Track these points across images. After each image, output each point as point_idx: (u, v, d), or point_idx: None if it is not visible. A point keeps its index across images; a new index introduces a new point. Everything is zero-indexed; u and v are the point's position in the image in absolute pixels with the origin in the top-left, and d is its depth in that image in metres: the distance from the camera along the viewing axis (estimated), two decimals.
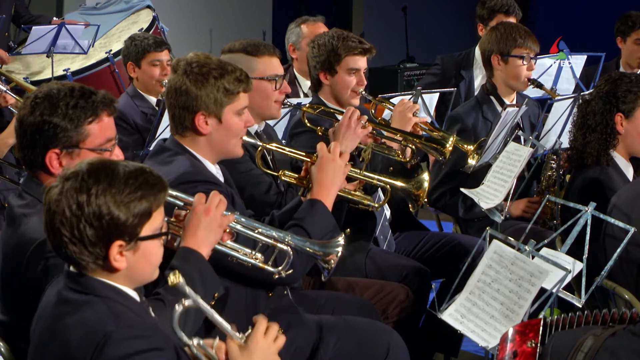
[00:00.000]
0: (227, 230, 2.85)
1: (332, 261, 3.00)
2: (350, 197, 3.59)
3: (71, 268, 2.39)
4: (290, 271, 2.92)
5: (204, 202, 2.78)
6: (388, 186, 3.65)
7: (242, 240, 2.92)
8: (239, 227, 2.89)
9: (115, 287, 2.37)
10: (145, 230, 2.36)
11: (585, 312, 2.74)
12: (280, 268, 2.91)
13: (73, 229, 2.30)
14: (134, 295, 2.43)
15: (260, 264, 2.90)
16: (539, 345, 2.72)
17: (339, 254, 3.01)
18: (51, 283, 2.46)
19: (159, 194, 2.38)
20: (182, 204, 2.83)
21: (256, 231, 2.90)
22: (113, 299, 2.34)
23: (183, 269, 2.68)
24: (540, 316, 2.87)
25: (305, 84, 5.69)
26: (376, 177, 3.67)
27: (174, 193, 2.81)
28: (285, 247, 2.91)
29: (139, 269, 2.39)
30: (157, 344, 2.29)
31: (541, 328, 2.74)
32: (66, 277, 2.40)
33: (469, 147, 4.35)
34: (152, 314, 2.50)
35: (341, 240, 3.02)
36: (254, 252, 2.90)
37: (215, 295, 2.83)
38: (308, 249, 2.99)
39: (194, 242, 2.75)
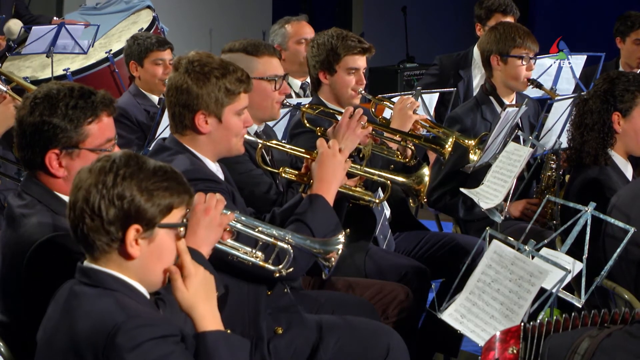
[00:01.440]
0: (228, 229, 2.85)
1: (333, 259, 3.00)
2: (351, 193, 3.59)
3: (85, 263, 2.41)
4: (290, 269, 2.92)
5: (204, 201, 2.78)
6: (388, 182, 3.66)
7: (243, 238, 2.92)
8: (239, 225, 2.88)
9: (125, 281, 2.39)
10: None
11: (573, 314, 2.74)
12: (281, 266, 2.91)
13: (94, 205, 2.34)
14: (144, 291, 2.44)
15: (261, 263, 2.89)
16: (520, 350, 2.72)
17: (340, 251, 3.00)
18: (63, 285, 2.46)
19: (184, 194, 2.42)
20: None
21: (256, 230, 2.90)
22: (121, 292, 2.36)
23: None
24: (540, 316, 2.87)
25: (295, 83, 5.70)
26: (376, 172, 3.67)
27: None
28: (285, 246, 2.91)
29: (151, 264, 2.41)
30: (166, 331, 2.31)
31: (522, 334, 2.74)
32: (78, 271, 2.42)
33: (470, 142, 4.34)
34: (161, 312, 2.51)
35: (341, 238, 3.01)
36: (254, 251, 2.89)
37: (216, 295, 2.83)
38: (308, 247, 2.99)
39: (194, 241, 2.75)
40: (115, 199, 2.33)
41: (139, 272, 2.41)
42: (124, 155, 2.40)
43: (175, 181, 2.41)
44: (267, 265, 2.90)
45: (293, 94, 5.64)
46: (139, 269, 2.40)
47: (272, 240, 2.91)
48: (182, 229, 2.46)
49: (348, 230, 3.09)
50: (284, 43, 5.80)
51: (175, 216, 2.41)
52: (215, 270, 2.80)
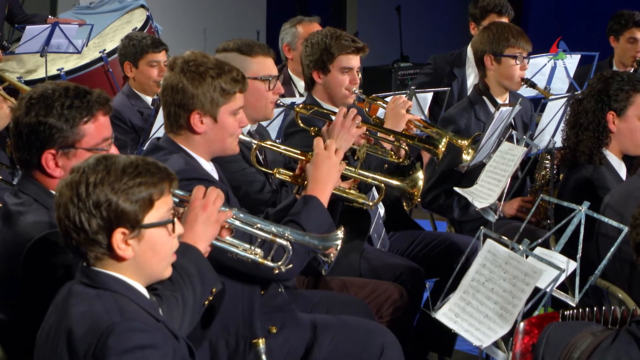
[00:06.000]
0: (226, 226, 2.85)
1: (332, 255, 2.99)
2: (345, 195, 3.58)
3: (84, 264, 2.42)
4: (290, 266, 2.91)
5: (202, 197, 2.78)
6: (382, 184, 3.66)
7: (241, 236, 2.92)
8: (237, 222, 2.86)
9: (126, 282, 2.40)
10: (149, 219, 2.39)
11: (595, 308, 2.74)
12: (280, 263, 2.89)
13: (75, 220, 2.34)
14: (144, 292, 2.44)
15: (260, 259, 2.88)
16: None
17: (339, 247, 3.00)
18: (64, 286, 2.47)
19: (161, 182, 2.41)
20: (178, 200, 2.82)
21: (255, 226, 2.88)
22: (121, 293, 2.37)
23: (180, 264, 2.69)
24: (535, 314, 2.88)
25: (301, 84, 5.66)
26: (371, 175, 3.66)
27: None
28: (284, 242, 2.90)
29: (147, 260, 2.42)
30: (158, 341, 2.31)
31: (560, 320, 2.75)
32: (79, 271, 2.43)
33: (463, 142, 4.35)
34: (161, 313, 2.51)
35: (340, 233, 3.01)
36: (253, 248, 2.87)
37: (213, 290, 2.82)
38: (307, 243, 2.98)
39: (192, 237, 2.74)
40: (93, 209, 2.34)
41: (137, 270, 2.42)
42: (92, 161, 2.39)
43: (148, 173, 2.39)
44: (266, 262, 2.88)
45: (297, 95, 5.61)
46: (136, 266, 2.41)
47: (270, 237, 2.89)
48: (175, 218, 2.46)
49: (342, 229, 3.09)
50: (293, 42, 5.78)
51: (160, 208, 2.41)
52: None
